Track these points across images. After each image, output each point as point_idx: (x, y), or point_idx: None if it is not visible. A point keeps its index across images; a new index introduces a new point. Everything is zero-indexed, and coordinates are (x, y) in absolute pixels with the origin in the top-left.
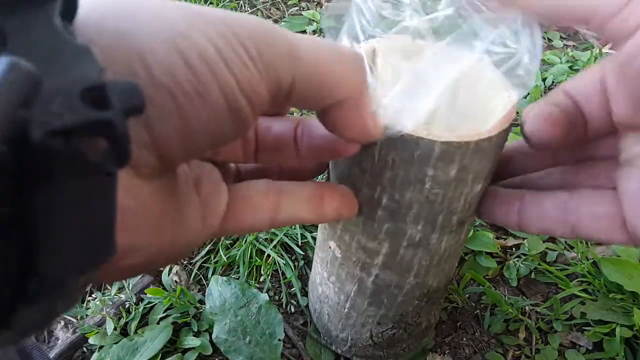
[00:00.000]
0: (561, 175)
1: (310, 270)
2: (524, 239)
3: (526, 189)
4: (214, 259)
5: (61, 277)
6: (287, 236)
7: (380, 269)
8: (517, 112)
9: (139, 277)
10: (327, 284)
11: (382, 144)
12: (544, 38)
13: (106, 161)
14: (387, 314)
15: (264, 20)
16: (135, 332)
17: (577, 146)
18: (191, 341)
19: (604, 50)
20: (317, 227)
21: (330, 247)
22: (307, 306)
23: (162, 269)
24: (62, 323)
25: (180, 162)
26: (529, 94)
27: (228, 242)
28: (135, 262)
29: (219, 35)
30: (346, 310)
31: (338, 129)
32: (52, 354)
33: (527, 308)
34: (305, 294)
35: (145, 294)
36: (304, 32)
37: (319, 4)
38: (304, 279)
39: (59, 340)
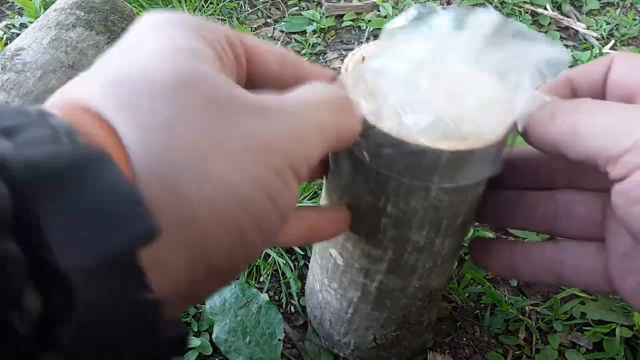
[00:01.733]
0: (548, 220)
1: None
2: (524, 238)
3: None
4: None
5: None
6: None
7: (384, 275)
8: None
9: None
10: (328, 291)
11: (387, 155)
12: None
13: None
14: (390, 317)
15: (297, 128)
16: None
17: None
18: (191, 341)
19: (604, 50)
20: None
21: (331, 255)
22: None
23: None
24: None
25: None
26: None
27: None
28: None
29: (276, 179)
30: (349, 315)
31: None
32: None
33: (527, 308)
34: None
35: None
36: (304, 32)
37: (319, 4)
38: (303, 279)
39: None
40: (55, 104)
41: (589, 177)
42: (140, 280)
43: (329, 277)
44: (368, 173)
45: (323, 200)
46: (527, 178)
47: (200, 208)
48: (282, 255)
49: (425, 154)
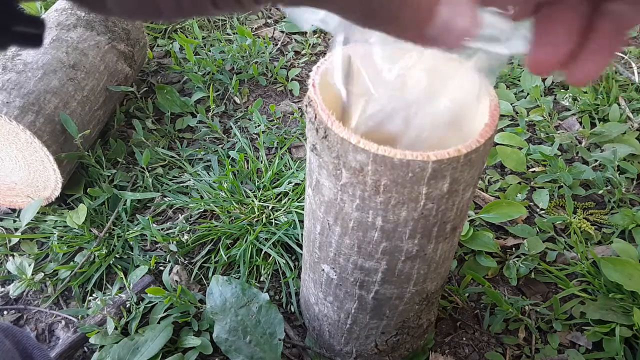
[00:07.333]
0: None
1: None
2: (523, 238)
3: None
4: (214, 258)
5: None
6: (286, 235)
7: (379, 285)
8: (517, 112)
9: (140, 277)
10: (324, 304)
11: (372, 171)
12: None
13: None
14: (389, 323)
15: None
16: (136, 331)
17: None
18: (192, 341)
19: None
20: None
21: (323, 270)
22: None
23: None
24: (63, 323)
25: None
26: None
27: (228, 241)
28: None
29: None
30: (348, 326)
31: None
32: (52, 354)
33: (526, 308)
34: None
35: (146, 293)
36: (305, 32)
37: None
38: None
39: (60, 340)
40: None
41: None
42: None
43: (323, 291)
44: (351, 191)
45: (307, 216)
46: None
47: None
48: (282, 255)
49: (410, 166)
